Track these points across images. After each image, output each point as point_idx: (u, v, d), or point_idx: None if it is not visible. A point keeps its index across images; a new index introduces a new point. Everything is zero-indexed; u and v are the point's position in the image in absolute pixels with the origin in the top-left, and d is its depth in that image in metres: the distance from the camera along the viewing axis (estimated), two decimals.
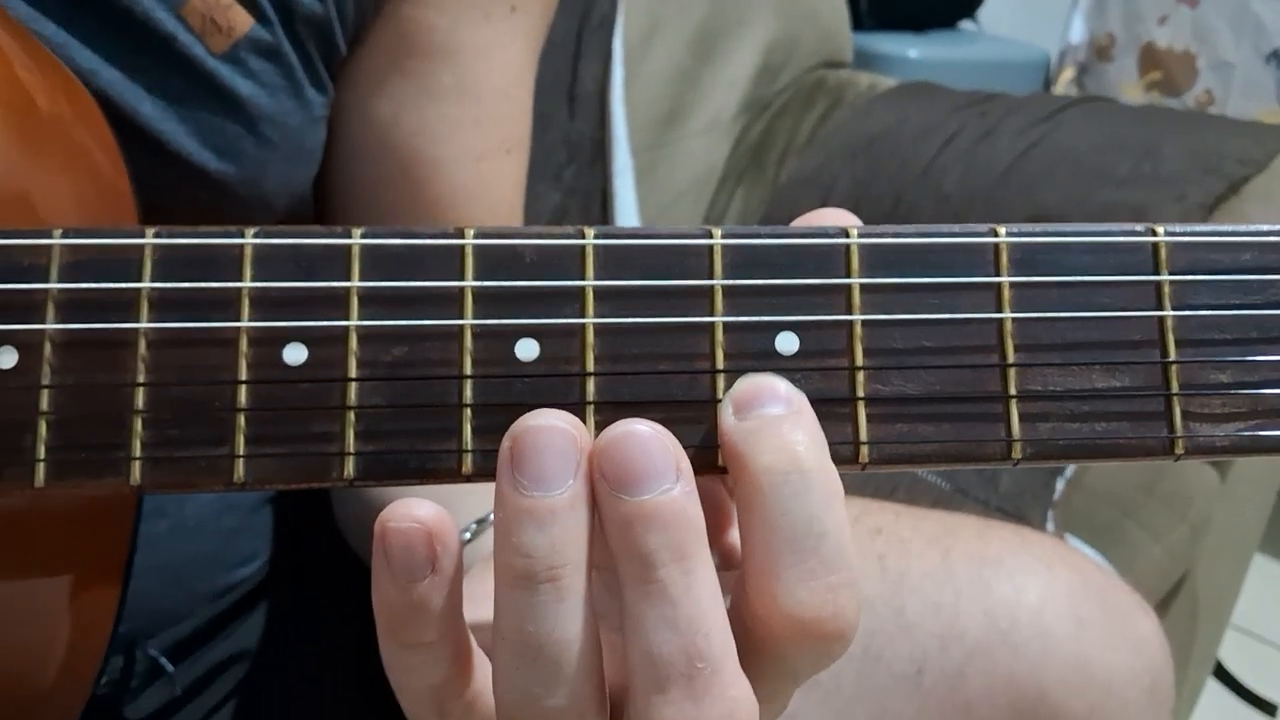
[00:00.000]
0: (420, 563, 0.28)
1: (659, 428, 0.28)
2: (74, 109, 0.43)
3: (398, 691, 0.31)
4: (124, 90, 0.48)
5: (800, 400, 0.29)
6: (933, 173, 1.28)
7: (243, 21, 0.49)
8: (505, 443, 0.28)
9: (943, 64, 2.12)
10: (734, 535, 0.36)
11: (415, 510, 0.28)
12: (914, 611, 0.54)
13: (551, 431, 0.28)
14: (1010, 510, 0.95)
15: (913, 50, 2.16)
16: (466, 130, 0.57)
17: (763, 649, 0.29)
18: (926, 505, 0.61)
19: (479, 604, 0.37)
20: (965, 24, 2.39)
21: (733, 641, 0.29)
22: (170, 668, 0.60)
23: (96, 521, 0.40)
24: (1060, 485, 1.00)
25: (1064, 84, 2.31)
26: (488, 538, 0.46)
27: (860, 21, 2.14)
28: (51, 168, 0.39)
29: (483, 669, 0.32)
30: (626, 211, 1.35)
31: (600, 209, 1.35)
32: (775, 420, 0.28)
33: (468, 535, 0.47)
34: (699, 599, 0.28)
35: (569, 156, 1.34)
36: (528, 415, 0.28)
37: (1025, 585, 0.54)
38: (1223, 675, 1.52)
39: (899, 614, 0.54)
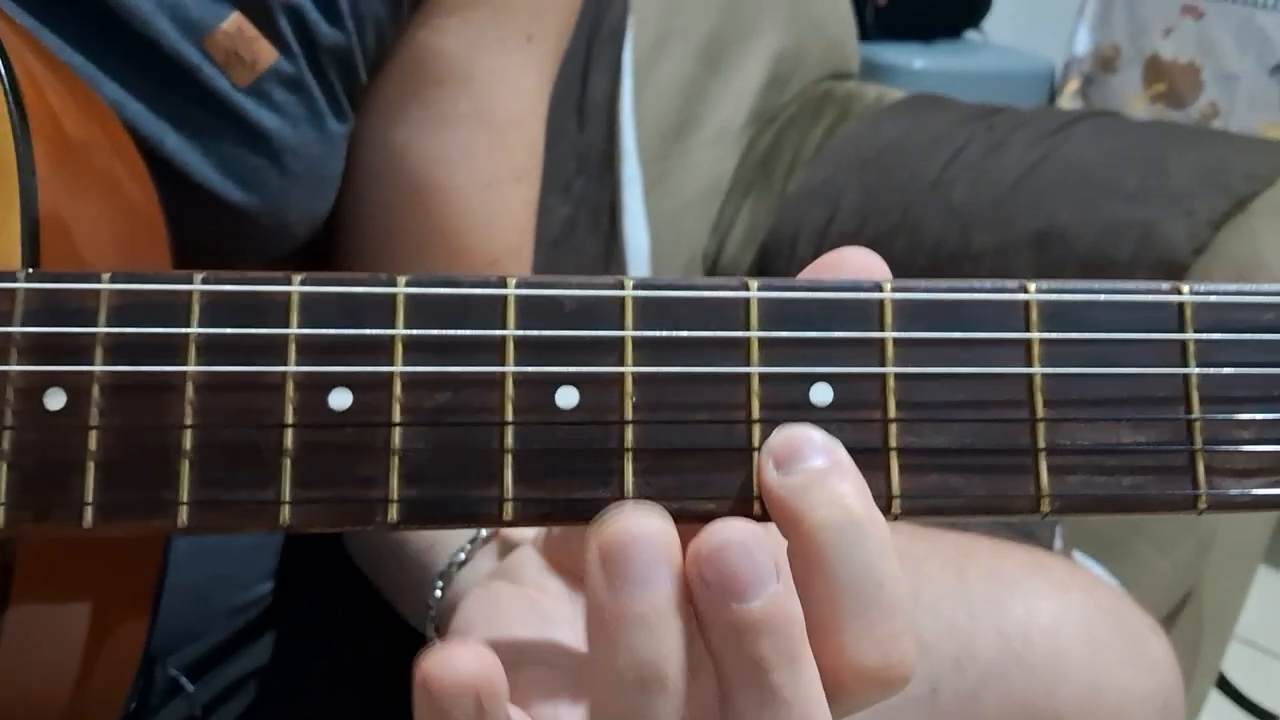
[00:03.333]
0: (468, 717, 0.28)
1: (753, 526, 0.28)
2: (109, 140, 0.43)
3: None
4: (147, 123, 0.49)
5: (838, 449, 0.29)
6: (941, 186, 1.29)
7: (267, 54, 0.50)
8: (592, 544, 0.28)
9: (948, 74, 2.13)
10: None
11: (459, 663, 0.28)
12: (928, 632, 0.54)
13: (641, 530, 0.28)
14: (1018, 525, 0.96)
15: (918, 60, 2.16)
16: (479, 157, 0.57)
17: (829, 697, 0.30)
18: (934, 521, 0.61)
19: (489, 626, 0.37)
20: (971, 34, 2.40)
21: None
22: (189, 686, 0.60)
23: (130, 548, 0.41)
24: None
25: (1069, 95, 2.32)
26: (482, 558, 0.46)
27: (866, 32, 2.15)
28: (89, 199, 0.40)
29: None
30: (635, 223, 1.36)
31: (609, 220, 1.36)
32: (820, 474, 0.29)
33: (461, 556, 0.47)
34: (809, 695, 0.29)
35: (578, 168, 1.34)
36: (611, 514, 0.28)
37: (1039, 607, 0.54)
38: (1225, 686, 1.53)
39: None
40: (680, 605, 0.28)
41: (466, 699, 0.28)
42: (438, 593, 0.46)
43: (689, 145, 1.45)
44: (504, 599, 0.39)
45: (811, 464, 0.29)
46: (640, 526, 0.28)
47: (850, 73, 1.57)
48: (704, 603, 0.28)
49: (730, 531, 0.28)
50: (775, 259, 1.37)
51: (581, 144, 1.34)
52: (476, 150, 0.57)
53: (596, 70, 1.34)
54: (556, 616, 0.37)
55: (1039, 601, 0.54)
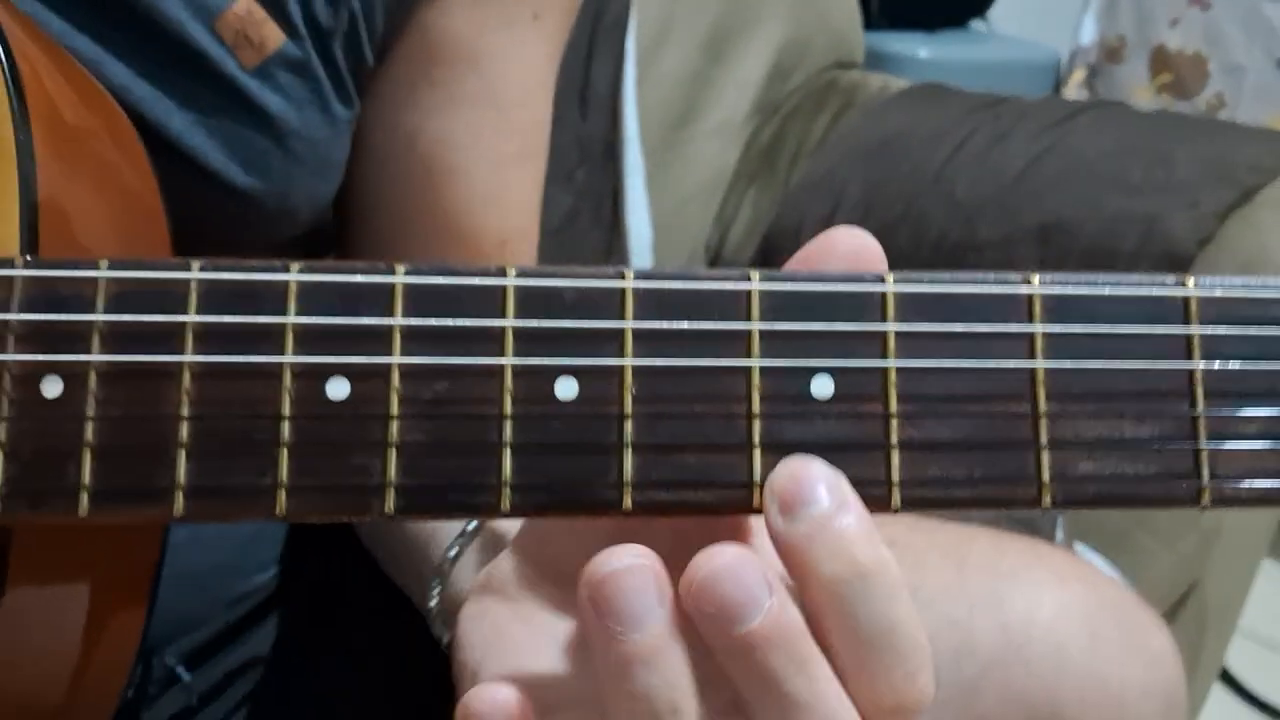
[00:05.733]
0: None
1: (740, 549, 0.29)
2: (108, 128, 0.43)
3: None
4: (155, 104, 0.48)
5: (843, 486, 0.29)
6: (945, 177, 1.28)
7: (275, 37, 0.49)
8: (583, 592, 0.29)
9: (953, 64, 2.12)
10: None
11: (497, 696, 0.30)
12: (928, 626, 0.54)
13: (627, 572, 0.29)
14: (1019, 517, 0.96)
15: (923, 50, 2.16)
16: (488, 137, 0.57)
17: None
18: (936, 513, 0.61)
19: (499, 661, 0.37)
20: (976, 24, 2.39)
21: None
22: (187, 676, 0.60)
23: (128, 535, 0.41)
24: None
25: (1074, 85, 2.32)
26: (472, 553, 0.46)
27: (871, 21, 2.14)
28: (88, 187, 0.40)
29: None
30: (637, 213, 1.36)
31: (611, 210, 1.35)
32: (825, 519, 0.29)
33: (453, 553, 0.47)
34: (827, 693, 0.29)
35: (580, 158, 1.34)
36: (600, 560, 0.29)
37: (1040, 600, 0.54)
38: (1228, 679, 1.53)
39: None
40: (677, 633, 0.29)
41: None
42: (435, 593, 0.46)
43: (692, 135, 1.44)
44: (502, 625, 0.38)
45: (817, 508, 0.29)
46: (621, 561, 0.29)
47: (855, 62, 1.57)
48: (707, 632, 0.29)
49: (714, 562, 0.28)
50: (778, 250, 1.37)
51: (584, 134, 1.33)
52: (485, 130, 0.57)
53: (599, 59, 1.34)
54: (557, 636, 0.37)
55: (1039, 594, 0.54)
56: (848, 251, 0.31)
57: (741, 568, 0.28)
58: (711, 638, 0.29)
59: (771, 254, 1.37)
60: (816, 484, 0.29)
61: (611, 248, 1.33)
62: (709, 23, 1.44)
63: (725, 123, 1.46)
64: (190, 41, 0.48)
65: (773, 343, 0.30)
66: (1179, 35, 2.21)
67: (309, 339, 0.30)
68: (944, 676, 0.52)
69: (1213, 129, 1.33)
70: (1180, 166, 1.18)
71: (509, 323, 0.30)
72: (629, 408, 0.29)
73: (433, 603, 0.46)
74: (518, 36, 0.57)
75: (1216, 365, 0.30)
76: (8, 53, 0.36)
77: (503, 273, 0.30)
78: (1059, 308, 0.30)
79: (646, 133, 1.36)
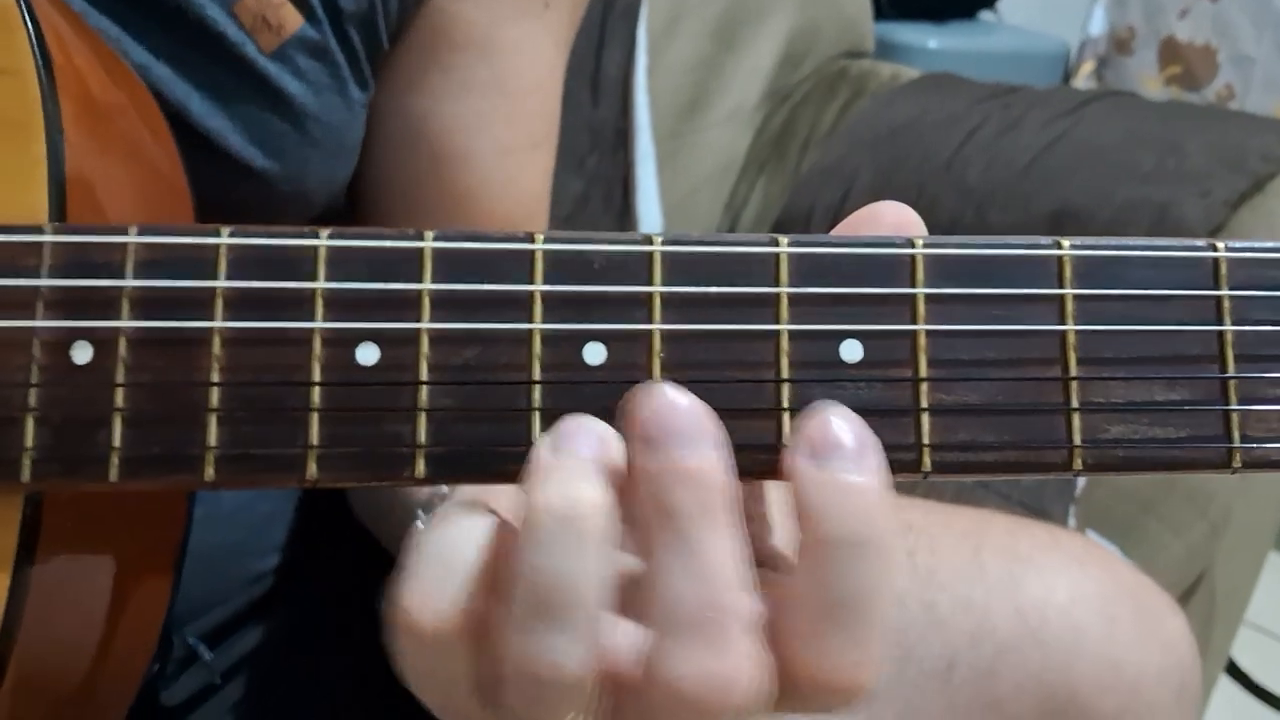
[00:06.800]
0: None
1: (694, 400, 0.29)
2: (135, 104, 0.43)
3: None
4: (173, 86, 0.49)
5: (873, 444, 0.29)
6: (956, 165, 1.28)
7: (293, 20, 0.50)
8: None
9: (962, 54, 2.12)
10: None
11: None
12: (944, 608, 0.54)
13: (591, 423, 0.29)
14: (1032, 505, 0.96)
15: (932, 40, 2.15)
16: (498, 124, 0.57)
17: (783, 684, 0.29)
18: (949, 498, 0.61)
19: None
20: (985, 14, 2.39)
21: (757, 607, 0.29)
22: (208, 655, 0.60)
23: (154, 509, 0.41)
24: (1082, 480, 1.01)
25: (1083, 77, 2.31)
26: (466, 489, 0.45)
27: (880, 11, 2.14)
28: (114, 161, 0.40)
29: None
30: (648, 200, 1.36)
31: (622, 197, 1.35)
32: (849, 476, 0.28)
33: (445, 488, 0.46)
34: (723, 554, 0.28)
35: (592, 144, 1.34)
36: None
37: (1056, 583, 0.54)
38: (1234, 671, 1.53)
39: (929, 610, 0.54)
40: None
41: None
42: (420, 525, 0.46)
43: (703, 123, 1.44)
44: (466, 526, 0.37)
45: (843, 463, 0.28)
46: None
47: (865, 51, 1.57)
48: (636, 455, 0.28)
49: (668, 395, 0.28)
50: None
51: (595, 120, 1.33)
52: (495, 117, 0.57)
53: (611, 46, 1.34)
54: None
55: (1055, 578, 0.54)
56: (891, 222, 0.31)
57: (693, 412, 0.28)
58: (638, 461, 0.28)
59: None
60: (847, 436, 0.28)
61: None
62: (719, 10, 1.44)
63: (736, 110, 1.46)
64: (209, 25, 0.48)
65: (801, 307, 0.30)
66: (1188, 26, 2.21)
67: (338, 305, 0.30)
68: (960, 659, 0.53)
69: (1224, 118, 1.33)
70: (1192, 156, 1.17)
71: (538, 288, 0.30)
72: (658, 372, 0.30)
73: (415, 533, 0.46)
74: (530, 26, 0.57)
75: (1247, 328, 0.30)
76: (36, 26, 0.36)
77: (531, 238, 0.30)
78: (1089, 271, 0.30)
79: (657, 120, 1.36)
